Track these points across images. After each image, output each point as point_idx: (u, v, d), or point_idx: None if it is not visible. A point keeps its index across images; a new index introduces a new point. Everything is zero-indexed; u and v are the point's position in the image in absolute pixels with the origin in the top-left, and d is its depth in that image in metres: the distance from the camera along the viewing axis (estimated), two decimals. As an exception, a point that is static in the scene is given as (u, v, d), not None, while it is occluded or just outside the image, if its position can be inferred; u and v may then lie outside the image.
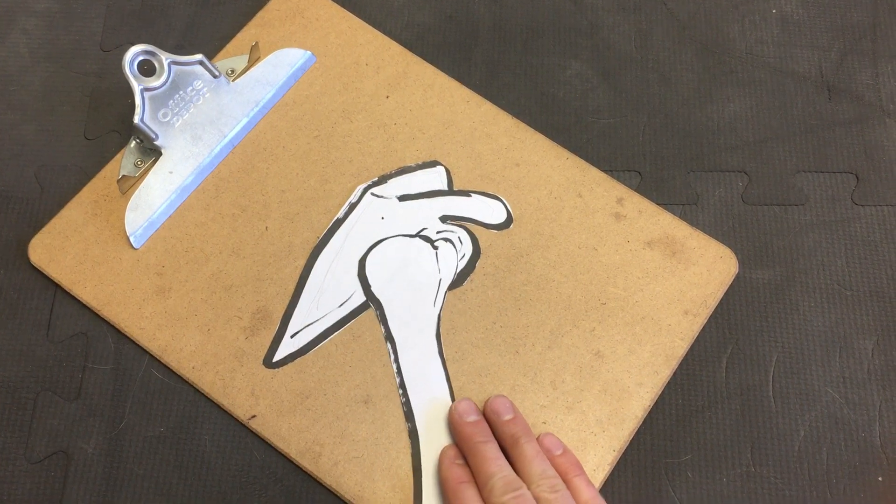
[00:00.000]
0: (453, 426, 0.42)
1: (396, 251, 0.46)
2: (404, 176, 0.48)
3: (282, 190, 0.47)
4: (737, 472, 0.42)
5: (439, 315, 0.45)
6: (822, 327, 0.45)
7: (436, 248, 0.46)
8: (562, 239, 0.46)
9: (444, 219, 0.47)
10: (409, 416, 0.43)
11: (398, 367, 0.43)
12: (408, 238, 0.46)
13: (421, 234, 0.46)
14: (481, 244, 0.46)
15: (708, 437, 0.43)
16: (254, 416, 0.43)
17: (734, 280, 0.46)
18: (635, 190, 0.48)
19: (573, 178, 0.47)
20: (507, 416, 0.41)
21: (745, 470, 0.42)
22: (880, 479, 0.42)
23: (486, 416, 0.42)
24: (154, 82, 0.46)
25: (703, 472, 0.42)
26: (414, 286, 0.45)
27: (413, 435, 0.42)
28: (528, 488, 0.38)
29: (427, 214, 0.47)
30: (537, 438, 0.41)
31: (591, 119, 0.50)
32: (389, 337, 0.44)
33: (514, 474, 0.39)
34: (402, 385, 0.43)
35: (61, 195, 0.48)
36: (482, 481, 0.39)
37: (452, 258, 0.46)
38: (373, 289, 0.45)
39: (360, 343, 0.44)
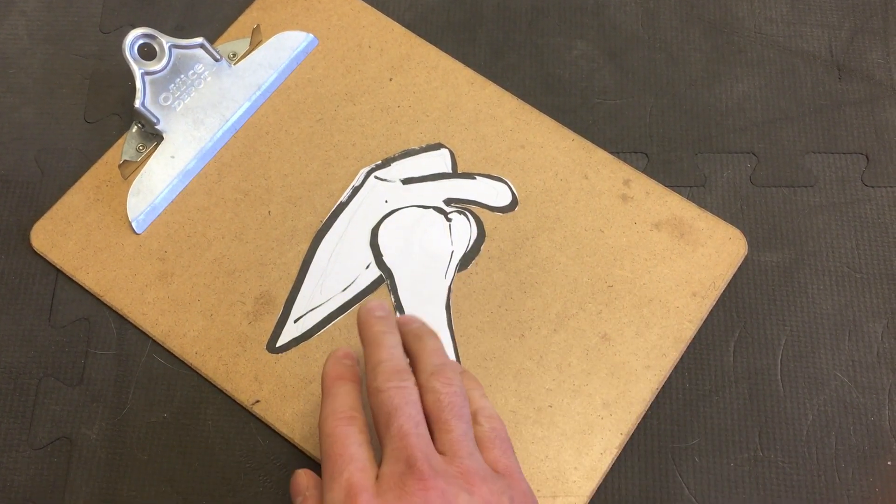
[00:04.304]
0: (358, 318, 0.37)
1: (410, 221, 0.46)
2: (408, 159, 0.47)
3: (284, 174, 0.47)
4: (744, 456, 0.42)
5: (450, 287, 0.44)
6: (831, 310, 0.45)
7: (449, 220, 0.46)
8: (568, 221, 0.46)
9: (448, 202, 0.46)
10: None
11: None
12: (421, 209, 0.46)
13: (435, 206, 0.46)
14: (486, 227, 0.46)
15: (715, 422, 0.43)
16: (257, 402, 0.42)
17: (742, 263, 0.45)
18: (642, 171, 0.47)
19: (579, 159, 0.47)
20: (415, 324, 0.38)
21: (753, 454, 0.42)
22: (889, 463, 0.42)
23: (399, 325, 0.38)
24: (155, 66, 0.45)
25: (711, 456, 0.42)
26: (426, 257, 0.45)
27: None
28: (419, 378, 0.35)
29: (431, 197, 0.46)
30: None
31: (598, 100, 0.49)
32: (399, 307, 0.44)
33: (408, 366, 0.35)
34: None
35: (62, 179, 0.48)
36: (370, 367, 0.35)
37: (466, 231, 0.45)
38: (384, 258, 0.45)
39: (364, 327, 0.44)
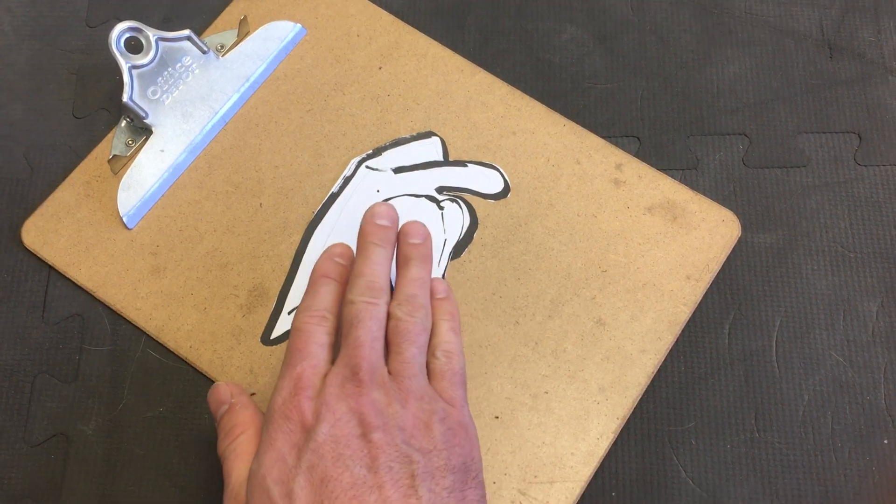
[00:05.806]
0: (362, 219, 0.39)
1: (402, 210, 0.45)
2: (399, 148, 0.47)
3: (275, 165, 0.47)
4: (741, 438, 0.42)
5: (443, 276, 0.44)
6: (825, 290, 0.45)
7: (442, 208, 0.45)
8: (560, 207, 0.45)
9: (440, 190, 0.46)
10: None
11: None
12: (414, 198, 0.46)
13: (427, 194, 0.46)
14: (479, 215, 0.45)
15: (711, 404, 0.43)
16: (253, 394, 0.42)
17: (736, 245, 0.45)
18: (634, 155, 0.47)
19: (571, 144, 0.47)
20: (414, 240, 0.39)
21: (750, 436, 0.42)
22: (886, 441, 0.42)
23: (398, 237, 0.40)
24: (142, 60, 0.45)
25: (707, 439, 0.42)
26: None
27: None
28: (391, 302, 0.37)
29: (423, 186, 0.46)
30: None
31: (588, 84, 0.49)
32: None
33: (386, 285, 0.37)
34: None
35: (52, 175, 0.47)
36: (352, 277, 0.37)
37: (458, 219, 0.45)
38: None
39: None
